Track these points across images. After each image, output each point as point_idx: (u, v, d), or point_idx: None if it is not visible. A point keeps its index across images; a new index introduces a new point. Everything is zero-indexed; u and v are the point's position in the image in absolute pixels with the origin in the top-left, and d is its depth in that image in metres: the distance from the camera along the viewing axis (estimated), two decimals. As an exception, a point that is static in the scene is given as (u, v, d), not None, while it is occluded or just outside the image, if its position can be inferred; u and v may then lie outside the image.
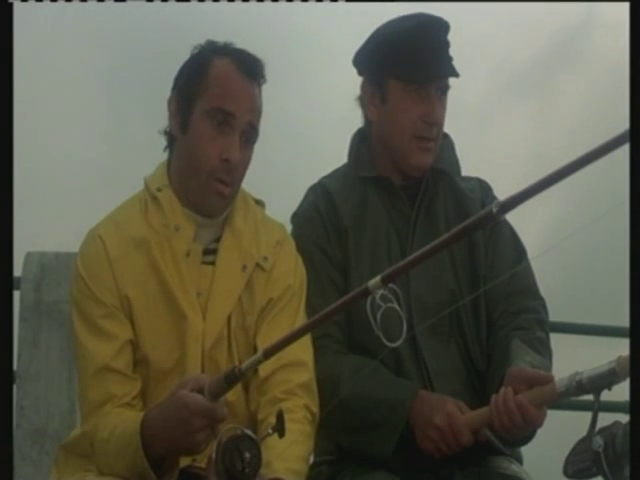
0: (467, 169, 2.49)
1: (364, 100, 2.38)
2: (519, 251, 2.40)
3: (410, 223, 2.33)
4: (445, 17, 2.34)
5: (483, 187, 2.44)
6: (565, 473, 1.77)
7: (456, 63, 2.33)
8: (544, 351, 2.26)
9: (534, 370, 2.08)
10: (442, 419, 2.11)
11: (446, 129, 2.41)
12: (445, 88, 2.32)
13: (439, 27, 2.32)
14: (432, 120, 2.29)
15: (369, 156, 2.40)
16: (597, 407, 1.77)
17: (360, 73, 2.39)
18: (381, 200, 2.35)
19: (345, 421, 2.18)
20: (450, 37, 2.34)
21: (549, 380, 2.00)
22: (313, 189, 2.44)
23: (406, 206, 2.35)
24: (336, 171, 2.47)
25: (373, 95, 2.34)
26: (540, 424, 2.08)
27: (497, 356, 2.25)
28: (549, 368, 2.23)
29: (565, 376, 1.92)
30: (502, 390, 2.05)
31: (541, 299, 2.37)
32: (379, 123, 2.36)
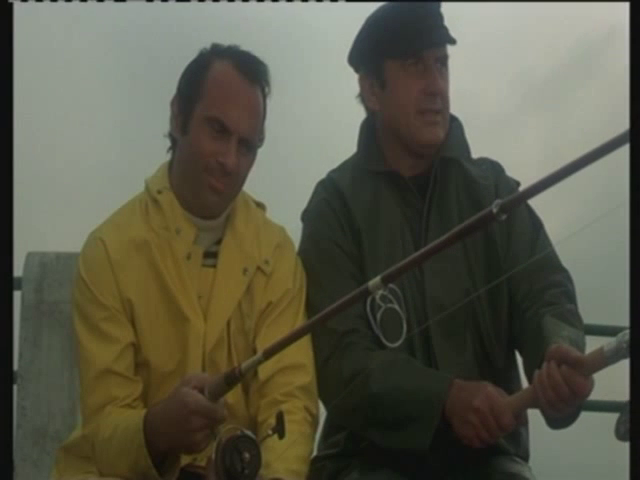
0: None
1: (364, 93, 2.34)
2: (535, 226, 2.31)
3: (422, 219, 2.27)
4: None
5: (495, 169, 2.37)
6: (617, 434, 1.70)
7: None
8: (577, 323, 2.15)
9: (577, 354, 1.94)
10: (482, 401, 2.01)
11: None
12: (444, 59, 2.27)
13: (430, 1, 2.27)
14: (433, 90, 2.24)
15: (377, 148, 2.34)
16: None
17: (357, 70, 2.36)
18: (393, 197, 2.29)
19: (377, 417, 2.11)
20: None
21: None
22: (323, 185, 2.37)
23: (418, 201, 2.28)
24: (344, 164, 2.41)
25: (372, 84, 2.31)
26: (588, 394, 1.94)
27: (530, 338, 2.14)
28: (584, 340, 2.12)
29: (612, 340, 1.81)
30: (545, 364, 1.95)
31: (564, 271, 2.27)
32: (382, 109, 2.31)
